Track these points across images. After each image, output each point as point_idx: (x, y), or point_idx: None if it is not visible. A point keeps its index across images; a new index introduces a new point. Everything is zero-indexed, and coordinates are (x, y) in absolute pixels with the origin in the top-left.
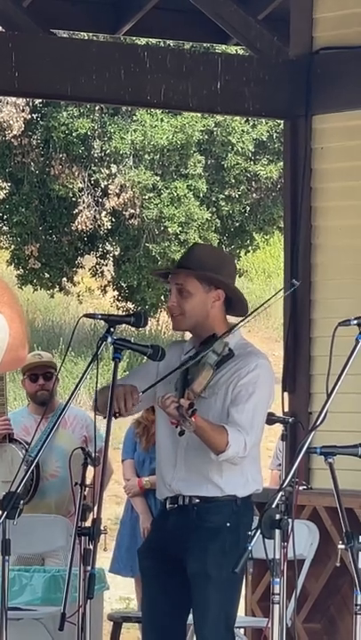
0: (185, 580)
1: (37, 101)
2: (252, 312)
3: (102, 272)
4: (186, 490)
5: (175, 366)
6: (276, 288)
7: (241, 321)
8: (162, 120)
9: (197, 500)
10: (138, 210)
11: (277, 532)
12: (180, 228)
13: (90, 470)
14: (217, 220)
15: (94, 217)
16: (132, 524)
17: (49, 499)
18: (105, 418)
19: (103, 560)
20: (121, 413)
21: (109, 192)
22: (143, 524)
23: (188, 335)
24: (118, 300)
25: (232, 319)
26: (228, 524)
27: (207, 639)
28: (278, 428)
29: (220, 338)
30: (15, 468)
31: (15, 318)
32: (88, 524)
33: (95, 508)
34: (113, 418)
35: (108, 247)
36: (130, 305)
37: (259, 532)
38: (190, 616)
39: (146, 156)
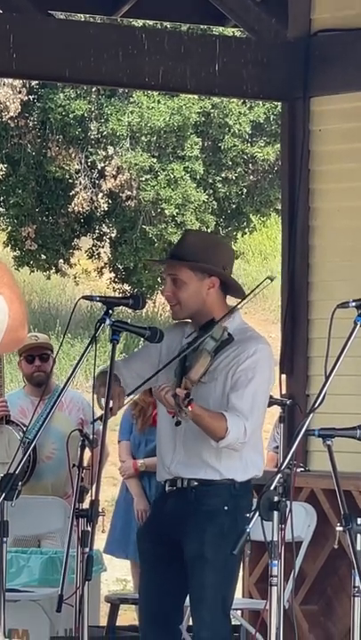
0: (182, 563)
1: (34, 83)
2: (237, 305)
3: (99, 254)
4: (185, 473)
5: (177, 349)
6: (273, 270)
7: (233, 308)
8: (159, 102)
9: (196, 483)
10: (134, 192)
11: (275, 514)
12: (177, 210)
13: (86, 452)
14: (214, 201)
15: (91, 199)
16: (126, 506)
17: (45, 481)
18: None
19: (100, 542)
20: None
21: (106, 174)
22: (137, 505)
23: None
24: (115, 281)
25: (232, 302)
26: (225, 508)
27: (204, 621)
28: (276, 411)
29: (219, 322)
30: (12, 449)
31: (14, 299)
32: (85, 505)
33: (93, 490)
34: (100, 420)
35: (105, 229)
36: (126, 287)
37: (257, 514)
38: (187, 598)
39: (143, 138)
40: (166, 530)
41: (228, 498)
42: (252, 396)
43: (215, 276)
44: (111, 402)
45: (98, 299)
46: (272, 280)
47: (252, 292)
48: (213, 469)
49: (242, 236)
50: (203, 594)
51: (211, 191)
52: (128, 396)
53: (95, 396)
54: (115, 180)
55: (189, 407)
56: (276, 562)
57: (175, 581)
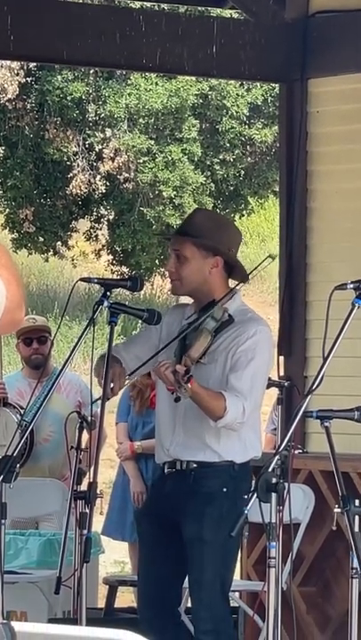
0: (181, 544)
1: (32, 65)
2: (236, 285)
3: (97, 236)
4: (183, 455)
5: (177, 331)
6: (271, 252)
7: (232, 289)
8: (156, 84)
9: (195, 465)
10: (132, 174)
11: (273, 495)
12: (175, 192)
13: (84, 434)
14: (211, 183)
15: (89, 181)
16: (123, 488)
17: (43, 463)
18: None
19: (98, 524)
20: (108, 397)
21: (104, 156)
22: (133, 488)
23: (182, 299)
24: (113, 264)
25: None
26: (224, 490)
27: (202, 603)
28: (274, 393)
29: (219, 303)
30: (10, 432)
31: (12, 281)
32: (83, 487)
33: (91, 472)
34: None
35: (103, 211)
36: (124, 269)
37: (255, 495)
38: (186, 580)
39: (140, 120)
40: (165, 512)
41: (227, 480)
42: (252, 377)
43: (219, 256)
44: (112, 382)
45: (95, 281)
46: (273, 259)
47: (254, 269)
48: (212, 451)
49: (240, 218)
50: (201, 575)
51: (209, 173)
52: (129, 377)
53: (96, 378)
54: (112, 162)
55: (189, 384)
56: (274, 543)
57: (174, 563)
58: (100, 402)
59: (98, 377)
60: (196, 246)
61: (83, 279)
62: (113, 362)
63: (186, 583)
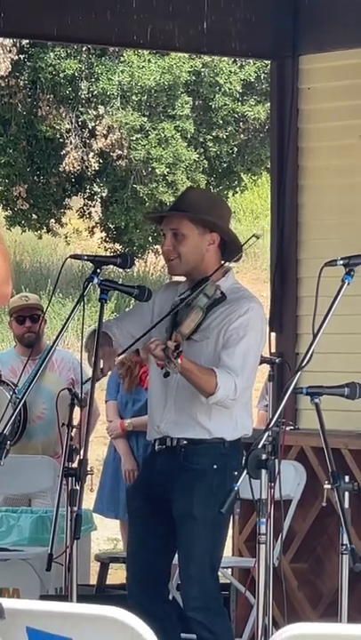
0: (171, 521)
1: (24, 42)
2: (223, 262)
3: (90, 213)
4: (174, 432)
5: (169, 308)
6: (264, 229)
7: (222, 266)
8: (149, 61)
9: (185, 442)
10: (125, 151)
11: (264, 472)
12: (168, 169)
13: (76, 412)
14: (205, 160)
15: (82, 158)
16: (114, 466)
17: (35, 440)
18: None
19: (90, 501)
20: (97, 378)
21: (97, 133)
22: (124, 465)
23: (175, 277)
24: (106, 241)
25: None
26: (215, 466)
27: (191, 579)
28: (266, 369)
29: (212, 280)
30: (1, 409)
31: None
32: (75, 464)
33: (82, 449)
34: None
35: (96, 188)
36: (117, 246)
37: (245, 472)
38: (176, 557)
39: (133, 97)
40: (156, 488)
41: (217, 457)
42: (244, 354)
43: (216, 233)
44: (102, 363)
45: (86, 257)
46: (258, 238)
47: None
48: (203, 428)
49: (233, 195)
50: (191, 551)
51: (202, 150)
52: (120, 355)
53: (86, 355)
54: (105, 139)
55: (179, 359)
56: (264, 520)
57: (164, 539)
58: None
59: (88, 352)
60: (194, 223)
61: (73, 256)
62: (103, 340)
63: (176, 560)
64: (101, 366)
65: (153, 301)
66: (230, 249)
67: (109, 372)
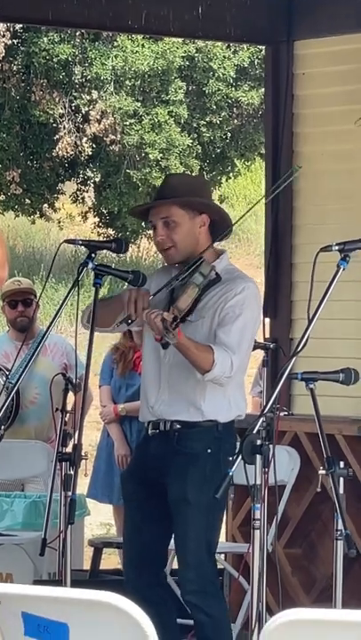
0: (166, 506)
1: (18, 27)
2: (222, 235)
3: (83, 198)
4: (168, 414)
5: (166, 283)
6: (258, 215)
7: (223, 235)
8: (143, 46)
9: (178, 426)
10: (119, 136)
11: (258, 457)
12: (161, 155)
13: (70, 396)
14: (198, 146)
15: (75, 143)
16: (108, 451)
17: (28, 425)
18: (114, 329)
19: (83, 486)
20: (132, 317)
21: (90, 118)
22: (118, 450)
23: None
24: (99, 226)
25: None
26: (208, 450)
27: (188, 564)
28: (260, 355)
29: (206, 260)
30: None
31: None
32: (69, 449)
33: (76, 434)
34: (127, 325)
35: (89, 173)
36: (110, 231)
37: (240, 457)
38: (172, 542)
39: (127, 82)
40: (150, 472)
41: (211, 441)
42: (240, 332)
43: (205, 214)
44: (137, 302)
45: (80, 242)
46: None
47: (237, 221)
48: (197, 409)
49: (226, 180)
50: (187, 536)
51: (195, 135)
52: (117, 326)
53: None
54: (99, 124)
55: (177, 331)
56: (258, 505)
57: (159, 524)
58: (84, 363)
59: (89, 324)
60: (183, 208)
61: (67, 241)
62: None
63: (172, 545)
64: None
65: (149, 285)
66: (220, 227)
67: (100, 357)
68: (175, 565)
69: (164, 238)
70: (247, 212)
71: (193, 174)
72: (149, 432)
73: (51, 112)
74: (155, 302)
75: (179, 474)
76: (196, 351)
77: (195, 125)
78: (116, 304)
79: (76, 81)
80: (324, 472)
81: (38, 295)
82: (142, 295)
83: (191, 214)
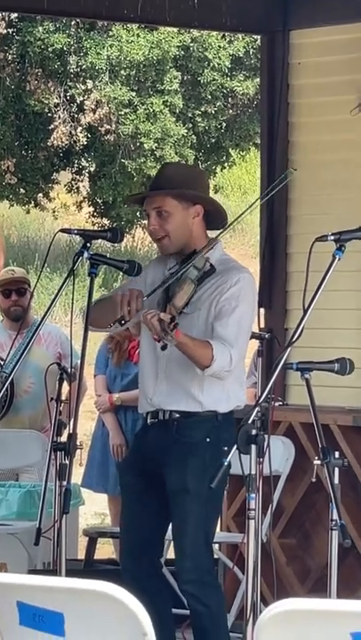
0: (164, 495)
1: (13, 16)
2: (222, 232)
3: (78, 188)
4: (166, 404)
5: (161, 281)
6: (252, 202)
7: (222, 231)
8: (138, 35)
9: (177, 415)
10: (113, 126)
11: (253, 447)
12: (156, 144)
13: (64, 386)
14: (193, 136)
15: (70, 132)
16: (103, 440)
17: (22, 414)
18: (107, 329)
19: (79, 476)
20: (125, 318)
21: (85, 108)
22: (113, 440)
23: None
24: (94, 216)
25: (212, 235)
26: (207, 440)
27: (185, 553)
28: (254, 345)
29: (201, 253)
30: None
31: None
32: (63, 439)
33: (71, 423)
34: (118, 325)
35: (84, 163)
36: (105, 221)
37: (235, 447)
38: (168, 532)
39: (122, 72)
40: (148, 462)
41: (210, 430)
42: (237, 325)
43: (199, 204)
44: (129, 305)
45: (76, 232)
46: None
47: (237, 219)
48: (195, 401)
49: (221, 170)
50: (184, 525)
51: (190, 125)
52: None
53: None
54: (94, 113)
55: (175, 332)
56: (253, 495)
57: (157, 514)
58: (79, 353)
59: (91, 325)
60: (176, 198)
61: (63, 230)
62: (124, 289)
63: (168, 535)
64: (128, 308)
65: (145, 275)
66: (215, 217)
67: (95, 346)
68: (170, 555)
69: (156, 228)
70: (242, 214)
71: (188, 164)
72: (148, 421)
73: (46, 101)
74: (151, 299)
75: (178, 463)
76: (195, 348)
77: (190, 115)
78: (110, 305)
79: (71, 70)
80: (319, 462)
81: (33, 285)
82: (135, 296)
83: (185, 205)
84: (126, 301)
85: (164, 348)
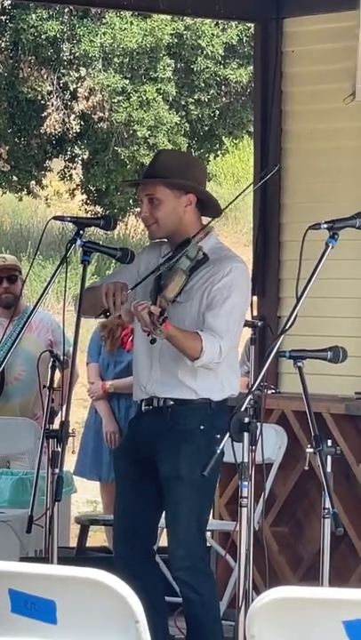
0: (158, 482)
1: (6, 3)
2: (210, 221)
3: (71, 175)
4: (160, 392)
5: (153, 269)
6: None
7: (206, 225)
8: (131, 23)
9: (172, 403)
10: (107, 113)
11: (246, 435)
12: (149, 132)
13: (56, 374)
14: (186, 123)
15: (63, 120)
16: (96, 428)
17: (13, 402)
18: (96, 318)
19: (71, 463)
20: (110, 311)
21: (78, 95)
22: (106, 427)
23: None
24: (87, 203)
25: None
26: (201, 427)
27: (178, 540)
28: (246, 333)
29: (193, 241)
30: None
31: None
32: (55, 426)
33: (63, 411)
34: (105, 317)
35: (77, 150)
36: (98, 209)
37: (228, 435)
38: (162, 520)
39: (115, 60)
40: (142, 449)
41: (204, 417)
42: (228, 315)
43: (192, 194)
44: (114, 296)
45: (69, 219)
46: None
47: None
48: (189, 389)
49: (214, 158)
50: (178, 512)
51: (183, 113)
52: (105, 317)
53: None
54: (87, 101)
55: (164, 325)
56: (246, 483)
57: (151, 501)
58: (72, 340)
59: (82, 313)
60: (168, 187)
61: (56, 217)
62: (110, 282)
63: (162, 523)
64: (113, 300)
65: (138, 262)
66: (208, 205)
67: (88, 334)
68: (162, 543)
69: (147, 215)
70: (232, 202)
71: (184, 151)
72: (143, 408)
73: (39, 89)
74: (144, 287)
75: (171, 450)
76: (185, 340)
77: (183, 103)
78: (98, 296)
79: (65, 58)
80: (311, 450)
81: (25, 272)
82: (119, 289)
83: (177, 193)
84: (111, 294)
85: (153, 341)
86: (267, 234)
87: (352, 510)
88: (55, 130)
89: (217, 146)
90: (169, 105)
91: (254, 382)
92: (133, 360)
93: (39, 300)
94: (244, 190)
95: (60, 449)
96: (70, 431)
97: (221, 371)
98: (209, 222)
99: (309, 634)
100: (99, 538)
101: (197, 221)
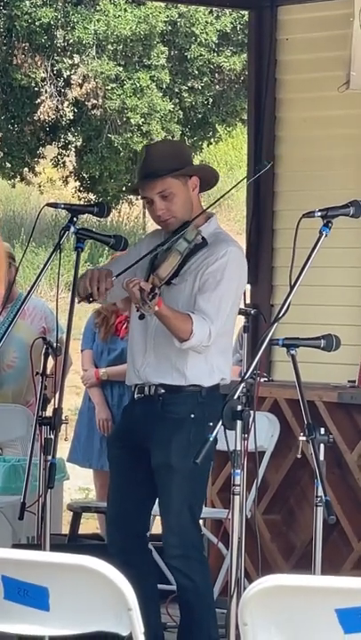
0: (151, 470)
1: None
2: (225, 193)
3: (64, 162)
4: (153, 377)
5: (151, 250)
6: (238, 180)
7: (211, 204)
8: (125, 10)
9: (163, 391)
10: (100, 100)
11: (238, 423)
12: (143, 119)
13: (49, 361)
14: (180, 111)
15: (57, 107)
16: (89, 415)
17: (6, 389)
18: (78, 303)
19: (64, 450)
20: (94, 297)
21: (72, 82)
22: (99, 414)
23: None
24: (80, 190)
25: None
26: (192, 416)
27: (171, 528)
28: (239, 321)
29: (192, 224)
30: None
31: None
32: (48, 414)
33: (56, 398)
34: (87, 302)
35: (70, 137)
36: (91, 196)
37: (220, 423)
38: (156, 507)
39: (109, 47)
40: (135, 437)
41: (195, 406)
42: (220, 299)
43: (195, 176)
44: (98, 283)
45: (62, 206)
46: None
47: (228, 191)
48: (180, 374)
49: (208, 145)
50: (170, 501)
51: (177, 100)
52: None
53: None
54: (81, 88)
55: (157, 303)
56: (238, 471)
57: (144, 489)
58: (65, 327)
59: (78, 297)
60: (176, 177)
61: (49, 204)
62: (94, 269)
63: (155, 511)
64: (97, 287)
65: (140, 248)
66: (204, 185)
67: (82, 321)
68: (155, 530)
69: (164, 211)
70: (225, 193)
71: (174, 139)
72: (135, 396)
73: (32, 76)
74: (141, 267)
75: (162, 439)
76: (175, 321)
77: (176, 90)
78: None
79: (58, 45)
80: (304, 438)
81: (18, 259)
82: (104, 276)
83: (184, 180)
84: (95, 279)
85: (141, 317)
86: (260, 222)
87: (344, 498)
88: (49, 117)
89: (210, 133)
90: (163, 92)
91: (247, 370)
92: (128, 344)
93: (32, 286)
94: (237, 184)
95: (52, 436)
96: (63, 418)
97: (211, 354)
98: (208, 207)
99: (302, 622)
100: (91, 525)
101: (199, 203)
